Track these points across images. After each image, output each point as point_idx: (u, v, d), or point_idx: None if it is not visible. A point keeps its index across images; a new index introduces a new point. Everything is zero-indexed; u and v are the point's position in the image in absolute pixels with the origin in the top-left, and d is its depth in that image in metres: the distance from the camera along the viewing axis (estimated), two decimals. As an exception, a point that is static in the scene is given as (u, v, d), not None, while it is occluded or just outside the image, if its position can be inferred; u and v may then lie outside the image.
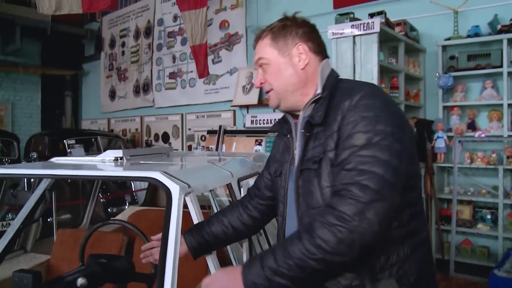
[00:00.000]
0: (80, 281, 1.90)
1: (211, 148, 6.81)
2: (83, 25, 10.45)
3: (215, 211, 2.23)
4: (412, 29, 5.25)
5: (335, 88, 1.51)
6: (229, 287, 1.35)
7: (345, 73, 4.45)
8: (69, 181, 6.00)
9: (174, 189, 1.67)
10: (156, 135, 9.02)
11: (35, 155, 7.31)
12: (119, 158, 2.45)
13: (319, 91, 1.52)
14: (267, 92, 1.63)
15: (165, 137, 8.88)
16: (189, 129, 8.42)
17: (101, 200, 6.69)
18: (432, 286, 1.52)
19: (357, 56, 4.37)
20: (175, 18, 8.39)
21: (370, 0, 5.65)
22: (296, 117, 1.62)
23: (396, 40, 4.88)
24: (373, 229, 1.23)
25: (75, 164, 2.49)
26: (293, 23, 1.60)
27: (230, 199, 2.39)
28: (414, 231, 1.42)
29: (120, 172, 2.25)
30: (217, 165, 2.55)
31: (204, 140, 7.52)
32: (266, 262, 1.30)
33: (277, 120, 1.75)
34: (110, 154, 2.47)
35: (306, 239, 1.27)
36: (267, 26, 1.67)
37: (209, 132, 7.06)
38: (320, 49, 1.61)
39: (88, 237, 2.24)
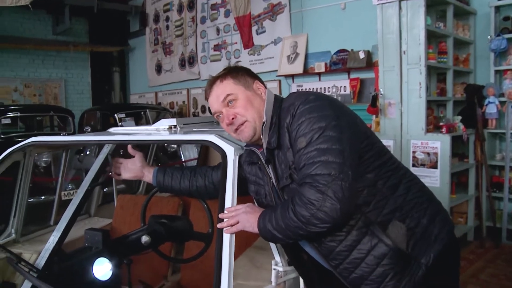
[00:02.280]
0: (144, 238, 2.06)
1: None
2: (127, 2, 10.65)
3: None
4: (462, -10, 5.09)
5: (281, 110, 1.67)
6: (248, 220, 1.61)
7: (391, 39, 4.41)
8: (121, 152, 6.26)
9: (229, 150, 1.78)
10: (203, 107, 9.19)
11: (89, 129, 7.65)
12: (173, 127, 2.57)
13: (264, 119, 1.67)
14: (241, 124, 1.71)
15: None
16: None
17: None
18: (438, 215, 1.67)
19: (403, 21, 4.32)
20: (218, -10, 8.44)
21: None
22: (260, 146, 1.75)
23: (445, 3, 4.75)
24: (335, 207, 1.43)
25: (132, 133, 2.64)
26: (241, 69, 1.79)
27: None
28: (397, 183, 1.63)
29: (177, 136, 2.39)
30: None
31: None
32: (270, 218, 1.56)
33: (247, 148, 1.84)
34: (165, 123, 2.60)
35: (290, 209, 1.50)
36: (215, 75, 1.79)
37: None
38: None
39: (148, 199, 2.39)
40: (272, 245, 1.93)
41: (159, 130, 2.58)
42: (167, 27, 9.84)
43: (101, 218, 3.21)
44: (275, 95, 1.76)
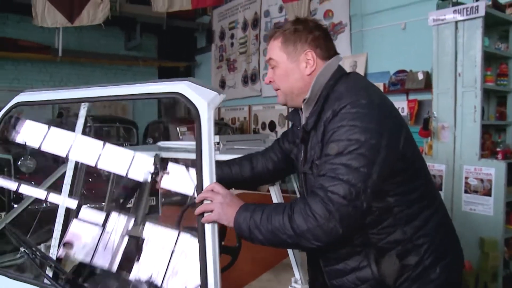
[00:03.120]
0: (171, 248, 2.16)
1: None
2: (195, 19, 11.07)
3: (297, 193, 2.38)
4: (527, 11, 4.89)
5: (328, 97, 1.57)
6: (224, 213, 1.47)
7: (446, 61, 4.32)
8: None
9: (201, 103, 1.82)
10: (263, 124, 9.29)
11: (151, 141, 8.00)
12: (216, 143, 2.69)
13: (307, 95, 1.60)
14: (276, 89, 1.72)
15: (272, 126, 9.11)
16: None
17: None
18: (449, 258, 1.58)
19: (459, 42, 4.21)
20: (281, 9, 8.55)
21: (479, -17, 5.34)
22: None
23: (507, 23, 4.59)
24: (337, 231, 1.35)
25: (176, 147, 2.78)
26: (304, 28, 1.65)
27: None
28: (415, 214, 1.53)
29: (217, 156, 2.49)
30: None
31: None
32: (254, 215, 1.43)
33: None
34: (208, 139, 2.72)
35: (286, 214, 1.39)
36: (279, 26, 1.74)
37: None
38: (328, 54, 1.67)
39: (183, 211, 2.50)
40: (293, 262, 1.98)
41: None
42: (232, 44, 10.12)
43: (146, 227, 3.37)
44: (337, 69, 1.64)
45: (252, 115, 9.63)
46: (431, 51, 4.68)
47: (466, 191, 4.23)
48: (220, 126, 9.08)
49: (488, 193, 4.14)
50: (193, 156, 2.49)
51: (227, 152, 2.51)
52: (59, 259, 1.96)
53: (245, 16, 9.64)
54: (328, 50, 1.66)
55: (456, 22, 4.20)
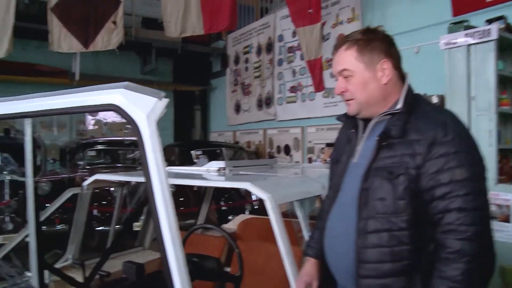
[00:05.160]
0: (173, 276, 2.12)
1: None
2: (210, 44, 11.21)
3: (302, 221, 2.33)
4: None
5: (415, 106, 1.60)
6: None
7: (459, 85, 4.26)
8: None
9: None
10: (278, 147, 9.25)
11: (167, 164, 7.99)
12: (221, 169, 2.67)
13: (399, 106, 1.60)
14: (348, 100, 1.70)
15: (287, 150, 9.07)
16: (309, 142, 8.51)
17: (222, 208, 7.12)
18: None
19: (472, 66, 4.15)
20: (294, 33, 8.56)
21: (492, 5, 5.29)
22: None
23: (523, 46, 4.52)
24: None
25: (182, 173, 2.78)
26: (377, 38, 1.66)
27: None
28: None
29: (214, 182, 2.47)
30: (308, 177, 2.65)
31: (324, 153, 7.55)
32: None
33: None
34: (214, 165, 2.71)
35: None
36: (348, 36, 1.71)
37: (328, 145, 7.07)
38: (399, 64, 1.68)
39: (185, 238, 2.47)
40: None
41: (209, 171, 2.70)
42: (246, 68, 10.18)
43: (154, 252, 3.35)
44: (409, 85, 1.68)
45: (267, 139, 9.61)
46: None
47: (482, 218, 4.12)
48: (236, 150, 9.08)
49: (506, 219, 4.02)
50: (188, 182, 2.52)
51: (232, 178, 2.49)
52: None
53: (259, 40, 9.70)
54: (398, 60, 1.69)
55: (468, 45, 4.15)
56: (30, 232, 1.90)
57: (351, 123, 1.78)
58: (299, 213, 2.26)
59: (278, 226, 1.92)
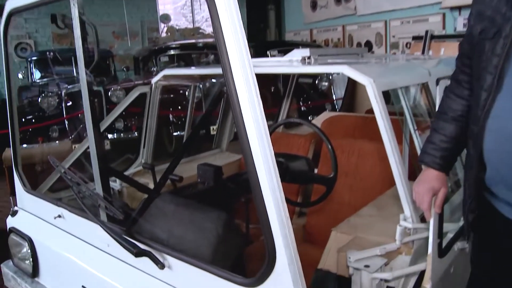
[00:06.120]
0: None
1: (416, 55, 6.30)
2: None
3: (407, 112, 1.95)
4: None
5: None
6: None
7: None
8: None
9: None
10: (359, 44, 8.75)
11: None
12: (306, 58, 2.32)
13: None
14: None
15: (368, 46, 8.57)
16: (393, 37, 8.02)
17: (302, 108, 6.84)
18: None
19: None
20: None
21: None
22: None
23: None
24: None
25: (264, 61, 2.47)
26: None
27: (426, 100, 2.07)
28: None
29: (304, 68, 2.14)
30: (412, 63, 2.24)
31: (409, 48, 6.99)
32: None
33: None
34: (297, 54, 2.36)
35: None
36: None
37: (415, 38, 6.57)
38: None
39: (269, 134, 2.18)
40: (402, 193, 1.60)
41: (292, 62, 2.35)
42: (323, -41, 9.36)
43: (232, 154, 3.14)
44: None
45: (346, 36, 9.09)
46: None
47: None
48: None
49: None
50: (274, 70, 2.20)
51: (325, 63, 2.14)
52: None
53: None
54: None
55: None
56: (89, 140, 1.69)
57: None
58: (404, 104, 1.88)
59: (382, 117, 1.56)
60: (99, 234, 1.72)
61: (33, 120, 6.16)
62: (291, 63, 2.30)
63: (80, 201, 1.74)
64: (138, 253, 1.47)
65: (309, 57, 2.30)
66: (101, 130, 2.51)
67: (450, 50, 5.84)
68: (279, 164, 1.93)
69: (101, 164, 1.69)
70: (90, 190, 1.70)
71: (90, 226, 1.81)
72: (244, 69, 1.15)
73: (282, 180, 1.96)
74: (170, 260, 1.50)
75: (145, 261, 1.53)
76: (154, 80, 2.56)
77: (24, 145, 5.48)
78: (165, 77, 2.54)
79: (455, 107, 1.53)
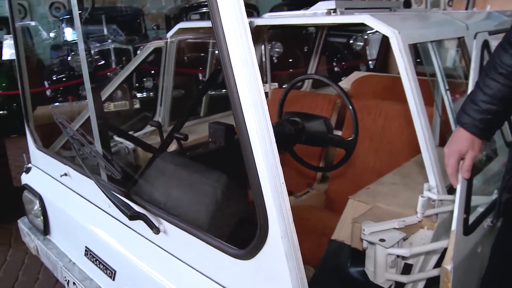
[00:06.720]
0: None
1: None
2: None
3: (438, 70, 1.74)
4: None
5: None
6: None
7: None
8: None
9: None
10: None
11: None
12: (331, 10, 2.14)
13: None
14: None
15: (406, 4, 8.05)
16: None
17: (335, 69, 6.60)
18: None
19: None
20: None
21: None
22: None
23: None
24: None
25: (288, 14, 2.33)
26: None
27: (462, 56, 1.86)
28: None
29: (324, 18, 1.98)
30: (448, 14, 2.01)
31: (451, 6, 6.55)
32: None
33: None
34: (322, 6, 2.18)
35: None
36: None
37: None
38: None
39: (286, 92, 2.01)
40: (427, 161, 1.42)
41: (317, 14, 2.18)
42: None
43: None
44: None
45: (384, -8, 8.55)
46: None
47: None
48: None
49: None
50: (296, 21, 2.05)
51: (347, 14, 1.97)
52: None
53: None
54: None
55: None
56: (88, 98, 1.59)
57: None
58: (435, 61, 1.68)
59: (407, 74, 1.37)
60: (102, 194, 1.63)
61: (64, 79, 6.17)
62: (315, 15, 2.14)
63: (79, 158, 1.64)
64: (133, 216, 1.37)
65: (334, 10, 2.14)
66: (114, 88, 2.41)
67: (497, 5, 5.42)
68: (294, 123, 1.78)
69: (100, 122, 1.58)
70: (90, 148, 1.60)
71: (93, 185, 1.72)
72: (237, 25, 0.98)
73: (297, 141, 1.81)
74: (166, 225, 1.39)
75: (142, 224, 1.43)
76: (169, 34, 2.41)
77: (56, 104, 5.54)
78: (182, 30, 2.38)
79: (507, 61, 1.24)
